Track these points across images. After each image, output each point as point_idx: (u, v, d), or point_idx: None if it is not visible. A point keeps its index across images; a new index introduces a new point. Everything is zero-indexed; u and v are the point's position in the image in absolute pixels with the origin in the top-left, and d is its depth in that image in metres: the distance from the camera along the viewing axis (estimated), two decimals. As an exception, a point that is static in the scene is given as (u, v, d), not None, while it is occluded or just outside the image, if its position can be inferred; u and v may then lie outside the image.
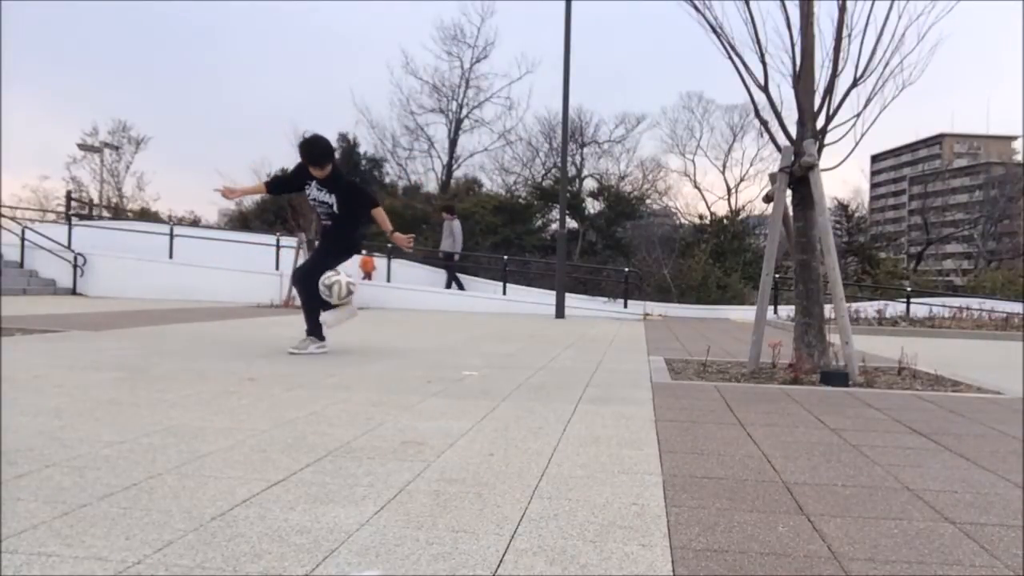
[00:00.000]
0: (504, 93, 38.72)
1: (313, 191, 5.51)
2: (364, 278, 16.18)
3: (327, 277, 5.45)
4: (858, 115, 4.98)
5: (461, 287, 15.95)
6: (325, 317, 5.51)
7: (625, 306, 16.08)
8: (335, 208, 5.47)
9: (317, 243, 5.64)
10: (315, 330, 5.49)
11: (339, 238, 5.58)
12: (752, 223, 35.11)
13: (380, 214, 5.65)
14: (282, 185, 6.05)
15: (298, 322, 9.01)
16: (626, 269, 19.32)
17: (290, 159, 37.63)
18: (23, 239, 14.72)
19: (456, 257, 16.16)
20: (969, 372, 5.44)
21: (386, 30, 68.51)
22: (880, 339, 8.96)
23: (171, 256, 15.83)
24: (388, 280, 16.19)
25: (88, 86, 65.11)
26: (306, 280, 5.52)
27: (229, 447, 2.46)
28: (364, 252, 16.41)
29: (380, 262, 16.72)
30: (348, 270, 5.73)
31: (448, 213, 16.33)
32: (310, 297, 5.50)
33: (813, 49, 4.95)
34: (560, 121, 13.52)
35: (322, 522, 1.75)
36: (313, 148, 5.45)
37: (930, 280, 40.15)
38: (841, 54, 4.96)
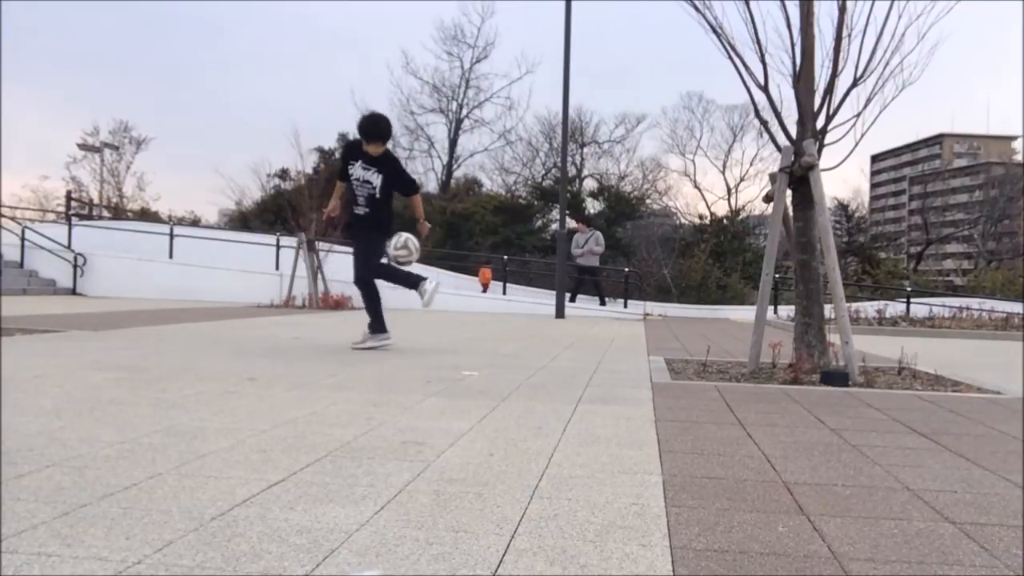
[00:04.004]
0: (504, 93, 38.83)
1: (358, 171, 5.56)
2: (483, 291, 16.22)
3: (400, 256, 5.61)
4: (858, 115, 4.97)
5: (574, 300, 15.09)
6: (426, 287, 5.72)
7: (625, 306, 16.09)
8: (377, 190, 5.54)
9: (353, 238, 5.64)
10: (378, 326, 5.63)
11: (379, 223, 5.61)
12: (752, 223, 35.14)
13: (417, 200, 5.91)
14: (344, 173, 5.81)
15: (298, 322, 9.03)
16: (626, 269, 19.32)
17: (290, 159, 37.68)
18: (23, 239, 14.72)
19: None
20: (969, 372, 5.43)
21: (386, 30, 68.64)
22: (880, 339, 8.96)
23: (171, 256, 15.83)
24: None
25: (88, 86, 65.18)
26: (365, 279, 5.64)
27: (229, 447, 2.46)
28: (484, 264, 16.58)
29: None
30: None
31: (586, 223, 15.98)
32: (371, 296, 5.66)
33: (813, 49, 4.95)
34: (560, 121, 13.53)
35: (322, 522, 1.75)
36: (379, 123, 5.62)
37: (930, 280, 40.19)
38: (841, 54, 4.96)
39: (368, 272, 5.64)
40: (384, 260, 5.78)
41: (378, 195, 5.56)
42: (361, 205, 5.58)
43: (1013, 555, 1.69)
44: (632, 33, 72.79)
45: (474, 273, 19.45)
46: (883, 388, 4.46)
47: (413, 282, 5.74)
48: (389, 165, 5.63)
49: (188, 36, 69.10)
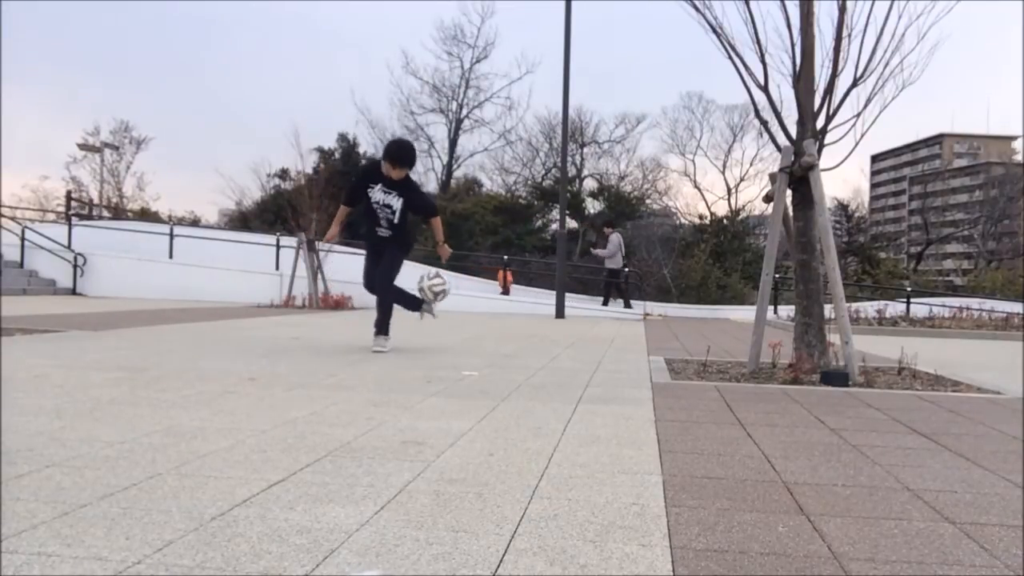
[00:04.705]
0: (504, 93, 38.78)
1: (378, 194, 5.70)
2: (503, 292, 16.41)
3: (435, 284, 5.97)
4: (858, 115, 4.97)
5: (628, 304, 15.32)
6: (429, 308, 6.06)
7: (625, 305, 16.08)
8: (397, 214, 5.71)
9: (386, 251, 5.84)
10: (386, 328, 5.84)
11: (403, 243, 5.87)
12: (752, 223, 35.12)
13: (437, 223, 6.07)
14: (354, 197, 5.95)
15: (298, 322, 9.03)
16: (626, 269, 19.30)
17: (290, 159, 37.71)
18: (23, 239, 14.72)
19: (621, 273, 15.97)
20: (969, 372, 5.44)
21: (386, 30, 68.62)
22: (880, 339, 8.96)
23: (171, 256, 15.83)
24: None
25: (88, 86, 65.16)
26: (390, 288, 5.86)
27: (229, 447, 2.46)
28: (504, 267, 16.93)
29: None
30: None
31: (610, 227, 16.27)
32: (389, 303, 5.90)
33: (813, 49, 4.95)
34: (560, 121, 13.52)
35: (322, 522, 1.75)
36: (407, 152, 5.82)
37: (930, 280, 40.17)
38: (841, 54, 4.96)
39: (389, 289, 5.86)
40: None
41: (397, 220, 5.72)
42: (384, 228, 5.75)
43: (1013, 555, 1.69)
44: (632, 33, 72.79)
45: (474, 273, 19.48)
46: (883, 388, 4.46)
47: (416, 305, 6.05)
48: (410, 190, 5.79)
49: (188, 36, 69.10)
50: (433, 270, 6.12)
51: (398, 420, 3.01)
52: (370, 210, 5.74)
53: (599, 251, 16.07)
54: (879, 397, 4.11)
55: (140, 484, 2.01)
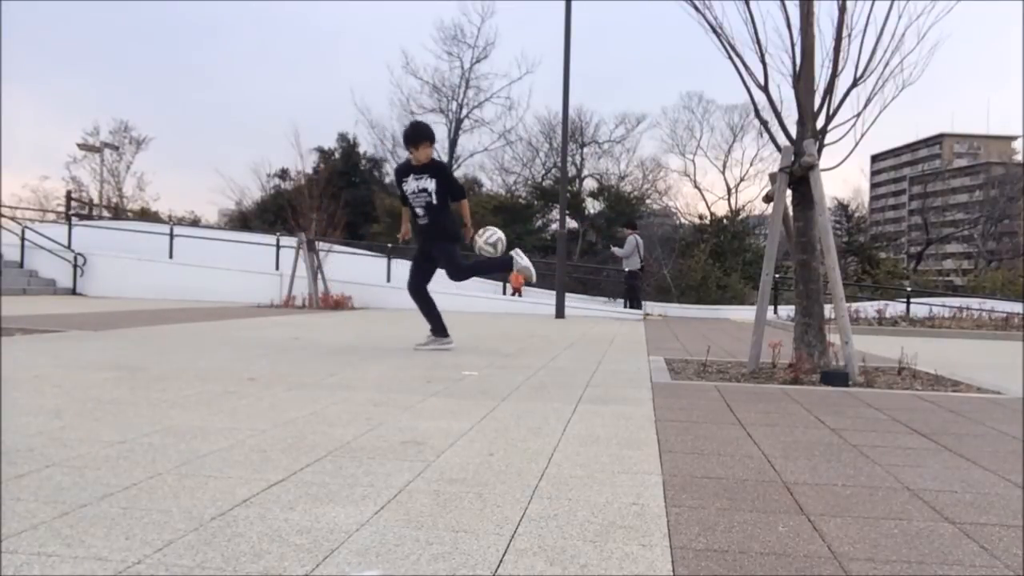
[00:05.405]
0: (504, 93, 38.74)
1: (411, 183, 5.79)
2: (514, 294, 16.39)
3: (489, 236, 5.89)
4: (858, 115, 4.97)
5: (639, 306, 15.54)
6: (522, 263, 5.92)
7: (625, 306, 16.09)
8: (433, 196, 5.72)
9: (434, 252, 5.88)
10: (443, 330, 5.95)
11: (446, 230, 5.85)
12: (752, 223, 35.10)
13: (465, 205, 6.09)
14: (404, 198, 6.00)
15: (298, 322, 9.04)
16: (626, 269, 19.28)
17: (290, 159, 37.69)
18: (23, 239, 14.73)
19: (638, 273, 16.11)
20: (969, 372, 5.43)
21: (386, 30, 68.64)
22: (880, 339, 8.96)
23: (171, 256, 15.83)
24: (388, 280, 16.20)
25: (88, 86, 65.19)
26: (464, 269, 5.94)
27: (229, 447, 2.46)
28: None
29: (381, 262, 16.71)
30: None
31: (631, 228, 16.46)
32: (429, 307, 5.95)
33: (813, 49, 4.95)
34: (560, 121, 13.53)
35: (322, 522, 1.75)
36: (417, 128, 5.96)
37: (930, 280, 40.18)
38: (841, 54, 4.96)
39: (460, 274, 5.93)
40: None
41: (435, 200, 5.74)
42: (421, 216, 5.80)
43: (1013, 555, 1.69)
44: (632, 32, 72.85)
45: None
46: (883, 388, 4.46)
47: (506, 264, 5.98)
48: (438, 169, 5.87)
49: (189, 36, 69.18)
50: (495, 236, 5.98)
51: (398, 420, 3.01)
52: (411, 204, 5.84)
53: (617, 250, 16.37)
54: (879, 397, 4.11)
55: (140, 484, 2.01)
